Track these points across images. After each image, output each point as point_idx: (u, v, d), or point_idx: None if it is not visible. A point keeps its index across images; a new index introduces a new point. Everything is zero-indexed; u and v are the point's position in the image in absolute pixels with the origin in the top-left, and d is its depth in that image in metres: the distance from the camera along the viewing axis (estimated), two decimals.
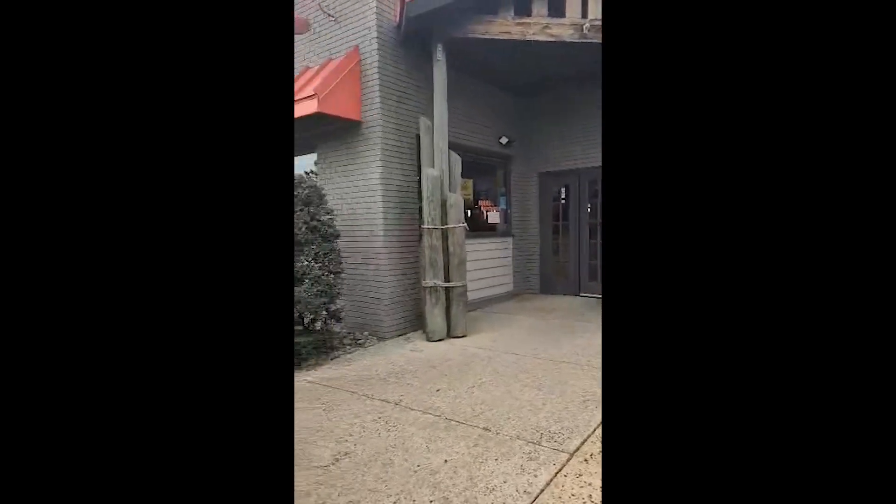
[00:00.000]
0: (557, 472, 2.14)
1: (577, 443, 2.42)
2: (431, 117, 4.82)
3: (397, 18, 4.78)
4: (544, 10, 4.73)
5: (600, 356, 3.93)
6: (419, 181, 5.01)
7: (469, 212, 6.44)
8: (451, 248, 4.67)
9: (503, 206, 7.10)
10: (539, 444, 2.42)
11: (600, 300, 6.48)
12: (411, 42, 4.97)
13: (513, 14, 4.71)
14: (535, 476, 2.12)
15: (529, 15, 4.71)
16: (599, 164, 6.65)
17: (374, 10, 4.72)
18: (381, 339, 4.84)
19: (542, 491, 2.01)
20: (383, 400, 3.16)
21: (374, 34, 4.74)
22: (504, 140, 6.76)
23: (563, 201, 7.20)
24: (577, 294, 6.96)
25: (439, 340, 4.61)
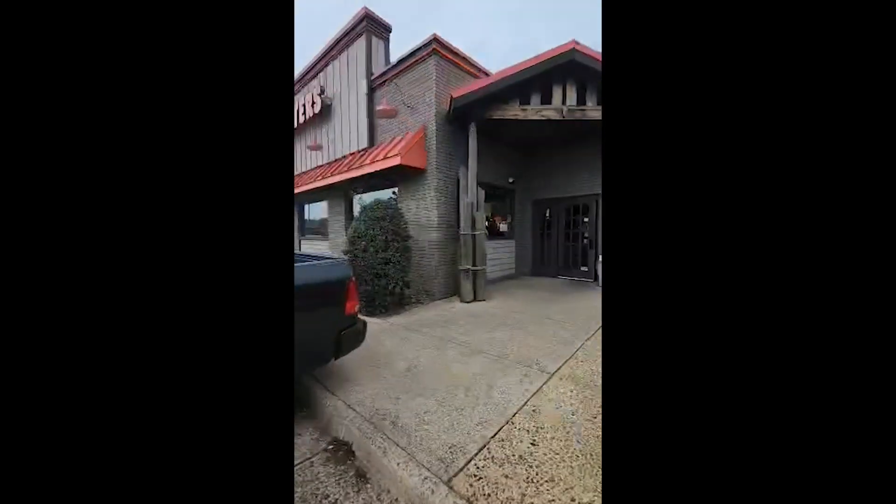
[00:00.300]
0: (543, 384, 2.21)
1: (554, 368, 2.46)
2: (467, 166, 4.91)
3: (448, 108, 4.87)
4: (538, 100, 4.72)
5: (572, 314, 3.91)
6: (458, 204, 5.11)
7: (488, 223, 6.50)
8: (476, 245, 4.75)
9: (509, 220, 7.08)
10: (531, 368, 2.46)
11: (571, 280, 6.39)
12: (456, 121, 5.04)
13: (518, 103, 4.72)
14: (530, 385, 2.19)
15: (528, 103, 4.71)
16: (572, 195, 6.52)
17: (434, 104, 4.84)
18: (433, 300, 4.93)
19: (533, 394, 2.09)
20: (434, 336, 3.24)
21: (434, 118, 4.85)
22: (510, 180, 6.72)
23: (547, 218, 7.09)
24: (555, 276, 6.81)
25: (468, 302, 4.68)
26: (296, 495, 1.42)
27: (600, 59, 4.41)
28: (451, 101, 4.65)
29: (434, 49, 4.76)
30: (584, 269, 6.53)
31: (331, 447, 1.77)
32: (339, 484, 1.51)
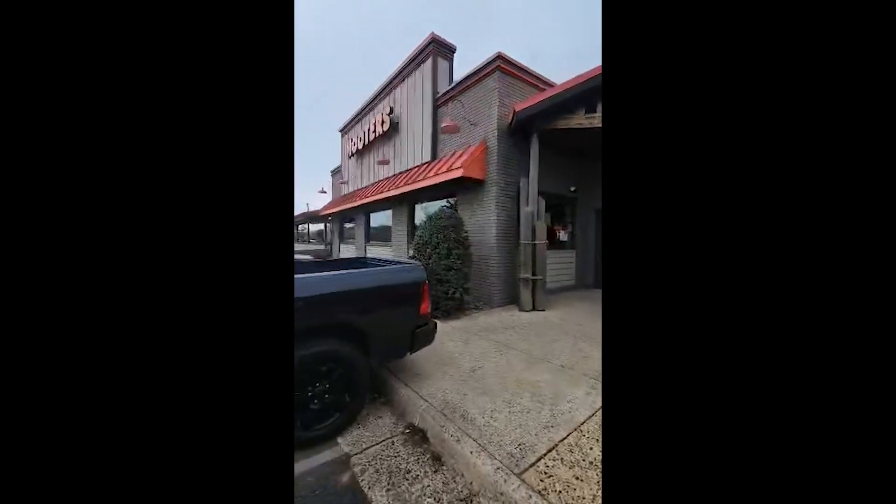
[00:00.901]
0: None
1: None
2: (528, 176, 4.95)
3: (511, 120, 5.00)
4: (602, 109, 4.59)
5: None
6: (518, 214, 5.16)
7: (548, 232, 6.38)
8: (536, 255, 4.73)
9: (570, 229, 6.86)
10: (598, 381, 2.41)
11: None
12: (518, 131, 5.13)
13: (584, 112, 4.65)
14: (596, 399, 2.15)
15: (595, 111, 4.62)
16: None
17: (496, 119, 5.01)
18: (492, 307, 5.00)
19: (599, 409, 2.08)
20: (496, 341, 3.32)
21: (495, 132, 5.02)
22: (572, 188, 6.56)
23: None
24: None
25: (527, 311, 4.66)
26: (382, 467, 1.64)
27: None
28: (513, 114, 4.77)
29: (498, 66, 4.96)
30: None
31: (407, 431, 1.99)
32: (418, 462, 1.70)
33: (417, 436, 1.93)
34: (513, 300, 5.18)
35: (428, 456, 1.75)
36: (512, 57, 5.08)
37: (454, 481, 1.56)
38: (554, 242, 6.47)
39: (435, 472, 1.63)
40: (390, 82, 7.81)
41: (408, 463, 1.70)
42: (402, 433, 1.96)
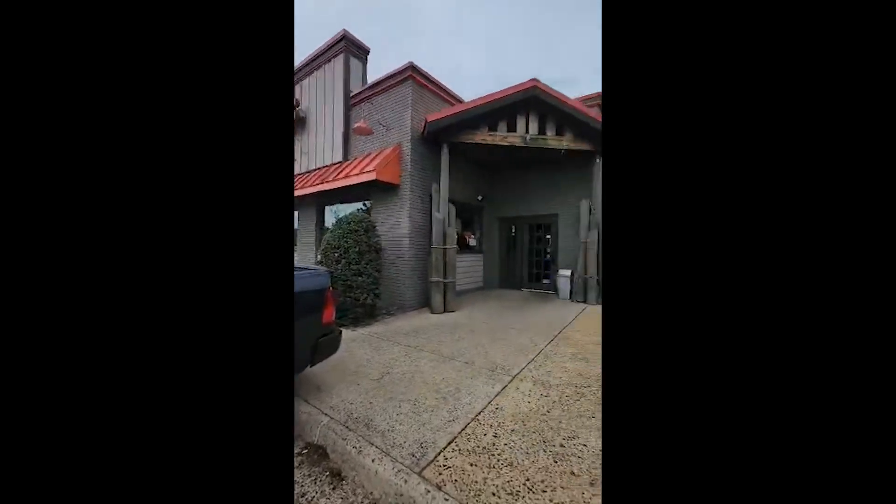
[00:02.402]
0: (505, 386, 2.40)
1: (515, 372, 2.67)
2: (439, 183, 5.16)
3: (423, 128, 5.13)
4: (504, 128, 5.14)
5: (533, 323, 4.17)
6: (430, 219, 5.31)
7: (458, 238, 6.76)
8: (447, 259, 4.95)
9: (478, 236, 7.40)
10: (495, 372, 2.64)
11: (534, 292, 6.77)
12: (429, 140, 5.29)
13: (487, 129, 5.10)
14: (494, 387, 2.36)
15: (496, 130, 5.11)
16: (534, 213, 7.00)
17: (409, 125, 5.08)
18: (405, 311, 5.01)
19: (497, 395, 2.27)
20: (406, 345, 3.33)
21: (409, 137, 5.08)
22: (479, 197, 7.10)
23: (513, 234, 7.52)
24: (520, 289, 7.17)
25: (439, 313, 4.82)
26: None
27: (559, 96, 4.94)
28: (425, 124, 4.91)
29: (410, 75, 5.05)
30: (545, 281, 6.97)
31: (305, 451, 1.82)
32: (315, 483, 1.57)
33: (316, 454, 1.78)
34: (425, 303, 5.28)
35: (327, 474, 1.64)
36: (425, 70, 5.24)
37: (354, 494, 1.50)
38: (464, 247, 6.89)
39: (333, 489, 1.54)
40: (298, 72, 7.15)
41: (303, 486, 1.55)
42: (299, 454, 1.79)
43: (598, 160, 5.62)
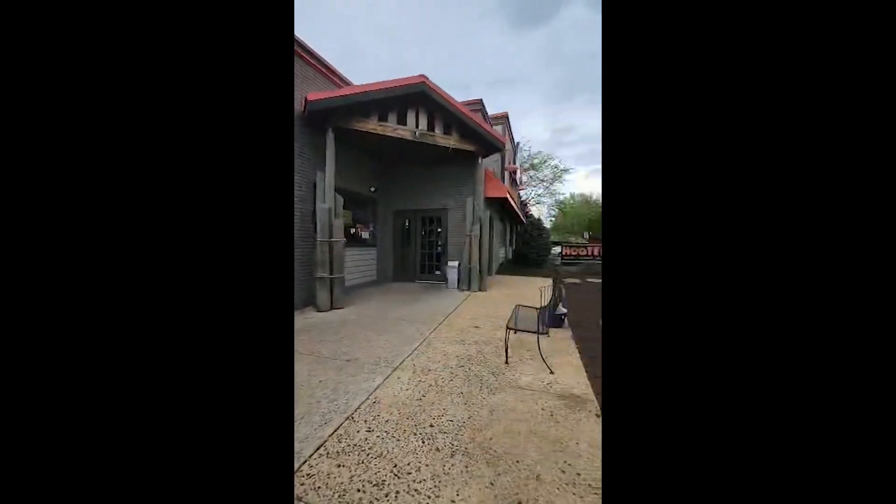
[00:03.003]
0: (385, 378, 2.41)
1: (399, 362, 2.71)
2: (325, 171, 4.76)
3: (303, 108, 4.61)
4: (395, 119, 5.10)
5: (421, 313, 4.30)
6: (314, 211, 4.87)
7: (350, 230, 6.42)
8: (334, 253, 4.63)
9: (371, 228, 7.20)
10: (377, 365, 2.63)
11: (428, 284, 7.04)
12: (313, 124, 4.81)
13: (377, 119, 4.96)
14: (374, 381, 2.34)
15: (386, 121, 5.02)
16: (426, 207, 7.25)
17: None
18: None
19: (376, 388, 2.27)
20: None
21: None
22: (372, 188, 6.90)
23: (407, 227, 7.62)
24: (414, 281, 7.34)
25: (325, 311, 4.50)
26: None
27: (445, 95, 5.18)
28: (305, 103, 4.42)
29: None
30: (437, 273, 7.35)
31: None
32: None
33: None
34: (310, 301, 4.85)
35: None
36: (308, 44, 4.68)
37: None
38: (356, 240, 6.60)
39: None
40: None
41: None
42: None
43: (480, 160, 6.20)
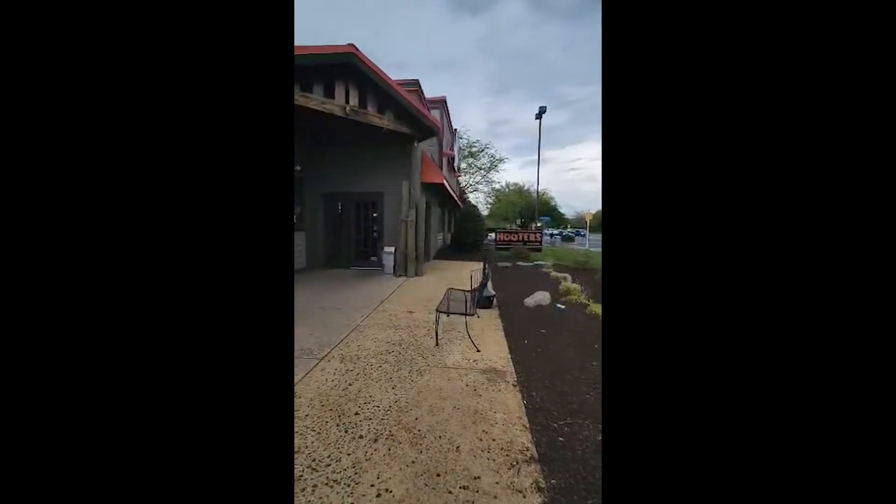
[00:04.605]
0: (310, 370, 2.28)
1: (325, 353, 2.58)
2: None
3: None
4: (321, 92, 4.66)
5: (354, 301, 4.13)
6: None
7: None
8: None
9: (298, 212, 6.61)
10: (300, 357, 2.48)
11: (363, 270, 6.78)
12: None
13: (299, 88, 4.47)
14: (296, 376, 2.19)
15: (311, 92, 4.56)
16: (361, 191, 6.91)
17: None
18: None
19: (298, 381, 2.13)
20: None
21: None
22: (298, 168, 6.30)
23: (339, 211, 7.18)
24: (349, 267, 6.99)
25: None
26: None
27: (377, 70, 4.89)
28: None
29: None
30: (373, 259, 7.12)
31: None
32: None
33: None
34: None
35: None
36: None
37: None
38: None
39: None
40: None
41: None
42: None
43: (416, 144, 6.08)
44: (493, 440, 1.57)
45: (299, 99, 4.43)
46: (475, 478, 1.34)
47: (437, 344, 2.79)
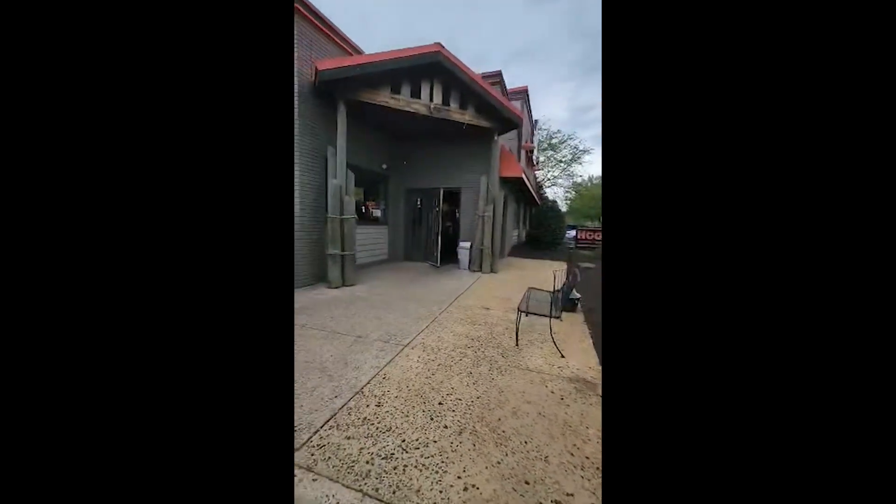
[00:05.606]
0: (395, 355, 2.44)
1: (409, 340, 2.74)
2: (336, 146, 4.68)
3: (313, 78, 4.47)
4: (408, 93, 4.91)
5: (431, 293, 4.32)
6: (326, 187, 4.83)
7: (363, 209, 6.41)
8: (345, 230, 4.62)
9: (383, 207, 7.16)
10: (387, 343, 2.66)
11: (437, 266, 7.03)
12: (323, 95, 4.68)
13: (389, 91, 4.78)
14: (384, 358, 2.37)
15: (399, 94, 4.84)
16: (440, 186, 7.08)
17: (296, 71, 4.35)
18: (297, 287, 4.57)
19: (386, 364, 2.29)
20: (296, 324, 3.09)
21: (295, 88, 4.37)
22: (384, 165, 6.79)
23: (418, 206, 7.53)
24: (425, 261, 7.32)
25: (336, 288, 4.56)
26: None
27: (461, 65, 4.93)
28: (315, 72, 4.29)
29: (295, 7, 4.24)
30: (448, 254, 7.31)
31: None
32: None
33: None
34: (322, 278, 4.92)
35: None
36: (318, 8, 4.47)
37: None
38: (368, 218, 6.59)
39: None
40: None
41: None
42: None
43: (496, 137, 5.98)
44: (587, 458, 1.44)
45: (389, 101, 4.76)
46: (568, 494, 1.25)
47: (516, 344, 2.71)
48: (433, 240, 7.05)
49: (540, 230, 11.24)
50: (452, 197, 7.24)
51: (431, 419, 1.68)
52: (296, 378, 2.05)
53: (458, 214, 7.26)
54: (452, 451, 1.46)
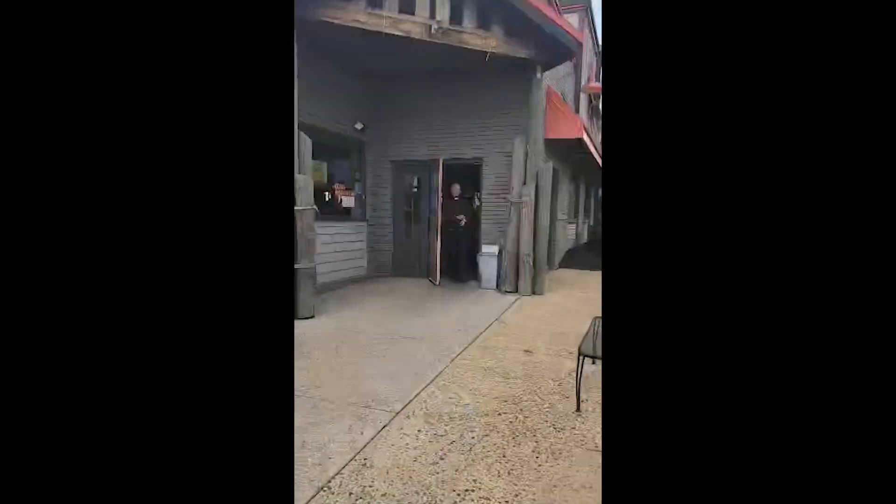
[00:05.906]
0: (382, 428, 2.42)
1: (399, 406, 2.73)
2: None
3: None
4: (395, 6, 4.95)
5: (440, 328, 4.32)
6: None
7: (326, 195, 6.45)
8: (298, 230, 4.62)
9: (358, 191, 7.20)
10: (367, 408, 2.65)
11: (447, 281, 6.97)
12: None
13: (365, 4, 4.83)
14: (362, 432, 2.37)
15: (381, 8, 4.89)
16: (454, 157, 7.04)
17: None
18: None
19: (365, 445, 2.26)
20: None
21: None
22: (359, 126, 6.87)
23: (415, 189, 7.54)
24: (426, 277, 7.29)
25: None
26: None
27: None
28: None
29: None
30: (463, 264, 7.25)
31: None
32: None
33: None
34: None
35: None
36: None
37: None
38: (335, 210, 6.62)
39: None
40: None
41: None
42: None
43: (540, 75, 5.95)
44: None
45: (361, 18, 4.81)
46: None
47: (577, 409, 2.66)
48: (434, 237, 7.04)
49: None
50: (468, 173, 7.21)
51: None
52: None
53: (477, 201, 7.23)
54: None
